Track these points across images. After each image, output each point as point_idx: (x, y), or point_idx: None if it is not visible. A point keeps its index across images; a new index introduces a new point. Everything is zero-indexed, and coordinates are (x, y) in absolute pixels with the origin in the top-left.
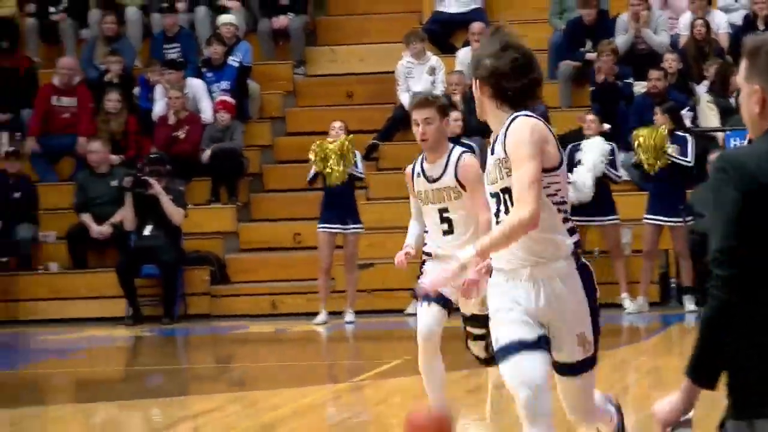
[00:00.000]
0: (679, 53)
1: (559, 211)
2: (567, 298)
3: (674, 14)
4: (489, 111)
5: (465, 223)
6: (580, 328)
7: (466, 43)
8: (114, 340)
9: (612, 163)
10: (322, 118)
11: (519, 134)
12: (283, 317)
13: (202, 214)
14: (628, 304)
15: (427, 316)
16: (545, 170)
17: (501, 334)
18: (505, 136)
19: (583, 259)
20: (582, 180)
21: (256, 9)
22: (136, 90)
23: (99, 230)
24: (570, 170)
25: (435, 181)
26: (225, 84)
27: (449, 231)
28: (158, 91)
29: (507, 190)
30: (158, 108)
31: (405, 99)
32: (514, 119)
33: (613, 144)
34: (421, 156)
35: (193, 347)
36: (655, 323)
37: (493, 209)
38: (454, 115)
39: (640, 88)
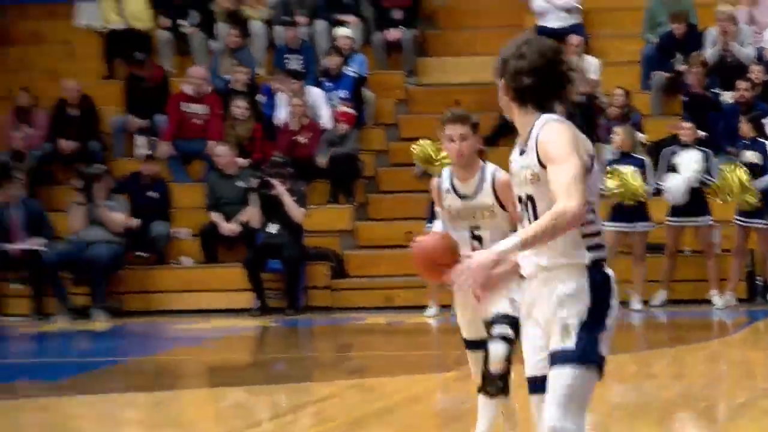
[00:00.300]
0: (765, 65)
1: (586, 223)
2: (566, 299)
3: (759, 29)
4: (515, 113)
5: (497, 241)
6: (568, 319)
7: None
8: (242, 329)
9: (707, 170)
10: (432, 125)
11: (555, 135)
12: (397, 310)
13: (322, 213)
14: (717, 300)
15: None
16: None
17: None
18: (536, 142)
19: (606, 270)
20: (676, 187)
21: (371, 23)
22: (261, 98)
23: (228, 228)
24: (666, 172)
25: (467, 198)
26: (342, 92)
27: (480, 248)
28: (281, 99)
29: (531, 198)
30: (281, 115)
31: None
32: (545, 124)
33: (708, 150)
34: (448, 171)
35: (314, 337)
36: (742, 318)
37: (520, 214)
38: None
39: (727, 97)
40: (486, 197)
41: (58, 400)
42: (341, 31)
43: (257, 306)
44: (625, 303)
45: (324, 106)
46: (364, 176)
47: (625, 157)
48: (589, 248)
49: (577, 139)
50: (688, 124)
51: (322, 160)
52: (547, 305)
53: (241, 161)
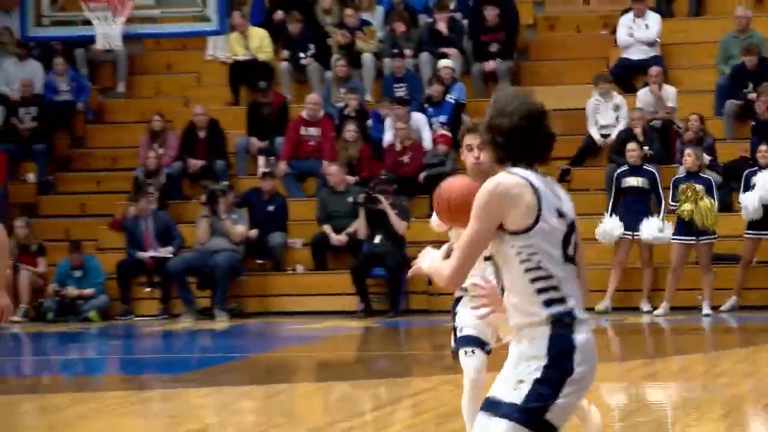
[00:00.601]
0: None
1: (534, 280)
2: (524, 357)
3: None
4: (492, 167)
5: None
6: (523, 375)
7: (645, 84)
8: (348, 330)
9: None
10: None
11: (479, 194)
12: None
13: (423, 226)
14: None
15: (474, 360)
16: (513, 233)
17: None
18: None
19: (573, 333)
20: (751, 203)
21: (470, 55)
22: (370, 122)
23: (337, 238)
24: (745, 191)
25: None
26: (442, 118)
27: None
28: (387, 123)
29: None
30: (387, 137)
31: (594, 132)
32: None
33: None
34: None
35: (413, 337)
36: None
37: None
38: None
39: None
40: None
41: (183, 391)
42: (443, 63)
43: (362, 309)
44: (696, 309)
45: (426, 129)
46: None
47: (692, 177)
48: (547, 303)
49: (514, 197)
50: (765, 147)
51: (423, 177)
52: (508, 360)
53: (350, 179)
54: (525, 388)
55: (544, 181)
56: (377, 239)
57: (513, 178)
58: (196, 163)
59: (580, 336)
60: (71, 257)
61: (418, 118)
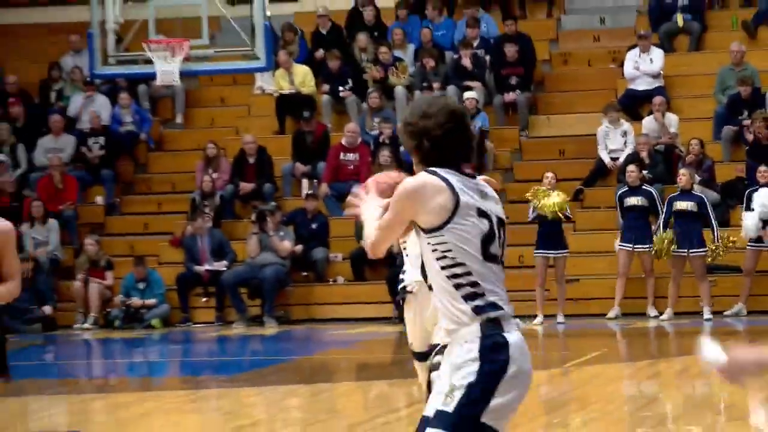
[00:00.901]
0: None
1: (450, 276)
2: (456, 363)
3: None
4: (415, 167)
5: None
6: (455, 381)
7: (650, 113)
8: (384, 334)
9: None
10: (541, 170)
11: (400, 185)
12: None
13: None
14: None
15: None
16: (425, 230)
17: None
18: None
19: (503, 334)
20: (751, 222)
21: (492, 87)
22: (402, 148)
23: None
24: (747, 209)
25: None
26: None
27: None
28: None
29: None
30: None
31: (604, 155)
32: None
33: None
34: None
35: None
36: None
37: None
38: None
39: None
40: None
41: (236, 390)
42: (468, 94)
43: (396, 315)
44: (698, 314)
45: None
46: None
47: (685, 194)
48: (466, 298)
49: (429, 195)
50: (764, 168)
51: None
52: (442, 372)
53: None
54: (458, 395)
55: (465, 181)
56: None
57: (431, 178)
58: (246, 186)
59: (512, 335)
60: (136, 271)
61: None
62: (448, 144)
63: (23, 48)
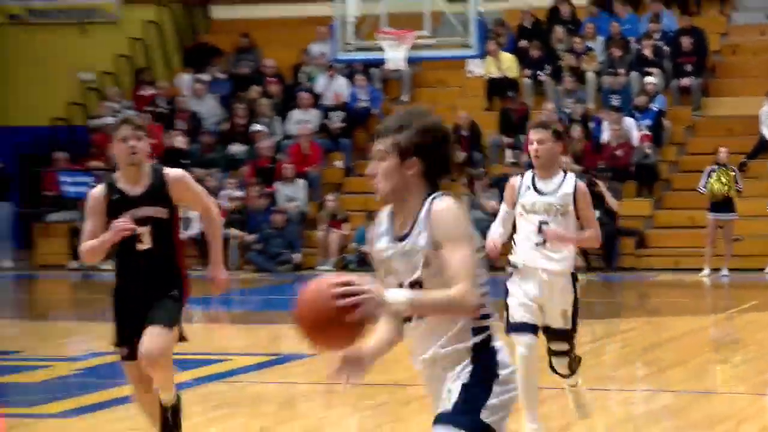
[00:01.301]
0: None
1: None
2: (451, 378)
3: None
4: (405, 188)
5: (562, 229)
6: (452, 385)
7: None
8: None
9: None
10: (711, 145)
11: (453, 214)
12: (682, 271)
13: (631, 204)
14: None
15: (525, 338)
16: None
17: None
18: (430, 221)
19: (492, 345)
20: None
21: (670, 73)
22: (591, 124)
23: None
24: None
25: (546, 194)
26: (647, 122)
27: (543, 242)
28: (605, 125)
29: (419, 283)
30: (604, 136)
31: (765, 132)
32: (439, 202)
33: None
34: (530, 172)
35: (623, 288)
36: None
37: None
38: None
39: None
40: (566, 199)
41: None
42: (648, 79)
43: (584, 265)
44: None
45: (634, 130)
46: (661, 179)
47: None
48: (475, 331)
49: (469, 221)
50: None
51: (632, 167)
52: (437, 389)
53: (576, 167)
54: (456, 392)
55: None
56: (596, 213)
57: (458, 199)
58: (459, 155)
59: (498, 344)
60: (367, 224)
61: (629, 122)
62: (444, 157)
63: (280, 37)
